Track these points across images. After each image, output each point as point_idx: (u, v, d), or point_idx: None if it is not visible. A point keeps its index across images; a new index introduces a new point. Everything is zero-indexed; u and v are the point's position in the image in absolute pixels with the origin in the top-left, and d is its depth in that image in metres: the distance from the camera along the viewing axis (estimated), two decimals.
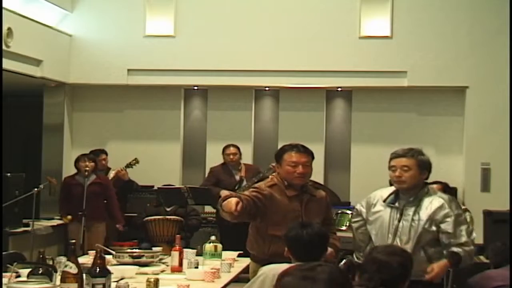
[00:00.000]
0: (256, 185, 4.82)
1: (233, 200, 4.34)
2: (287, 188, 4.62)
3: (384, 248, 3.58)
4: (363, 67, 9.46)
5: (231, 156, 8.88)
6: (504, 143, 8.84)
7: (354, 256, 4.64)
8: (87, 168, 8.20)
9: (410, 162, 4.45)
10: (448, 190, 7.57)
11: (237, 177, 8.82)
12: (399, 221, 4.42)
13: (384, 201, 4.52)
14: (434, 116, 9.78)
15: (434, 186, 7.43)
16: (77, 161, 8.49)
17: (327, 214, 4.83)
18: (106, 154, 9.21)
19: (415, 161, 4.45)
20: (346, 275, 2.73)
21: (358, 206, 4.72)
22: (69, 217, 8.41)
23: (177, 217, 8.22)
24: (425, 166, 4.48)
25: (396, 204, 4.47)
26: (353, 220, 4.72)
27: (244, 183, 8.67)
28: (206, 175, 9.27)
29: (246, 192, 4.68)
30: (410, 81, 9.43)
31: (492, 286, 4.43)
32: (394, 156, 4.54)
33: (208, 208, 9.41)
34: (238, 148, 8.97)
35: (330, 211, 5.03)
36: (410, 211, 4.42)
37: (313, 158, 4.73)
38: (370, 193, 4.68)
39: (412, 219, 4.39)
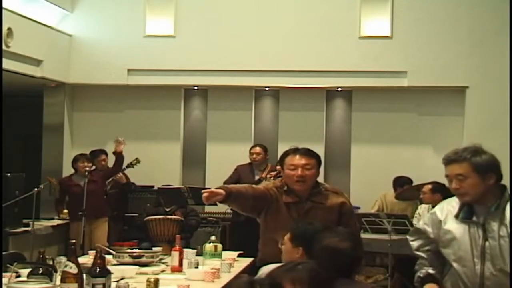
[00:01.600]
0: (270, 182, 4.73)
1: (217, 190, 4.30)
2: (286, 194, 4.45)
3: (332, 234, 3.39)
4: (363, 67, 9.46)
5: (254, 156, 8.88)
6: (504, 143, 8.82)
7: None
8: (87, 169, 8.26)
9: (464, 169, 3.48)
10: (439, 190, 7.54)
11: (257, 177, 8.80)
12: (485, 240, 3.46)
13: (456, 216, 3.56)
14: (434, 116, 9.78)
15: (430, 186, 7.50)
16: (75, 161, 8.56)
17: (340, 223, 4.29)
18: (106, 154, 9.20)
19: (469, 166, 3.47)
20: (324, 275, 2.73)
21: (420, 224, 3.78)
22: (65, 211, 8.58)
23: (177, 217, 8.21)
24: (486, 168, 3.48)
25: (474, 219, 3.51)
26: (411, 238, 3.76)
27: (263, 183, 8.62)
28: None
29: (263, 184, 4.62)
30: (410, 81, 9.43)
31: None
32: (445, 162, 3.56)
33: (208, 208, 9.41)
34: (263, 148, 8.94)
35: (348, 220, 4.46)
36: (495, 225, 3.46)
37: (318, 161, 4.54)
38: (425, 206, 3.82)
39: (500, 236, 3.44)
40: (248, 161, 9.01)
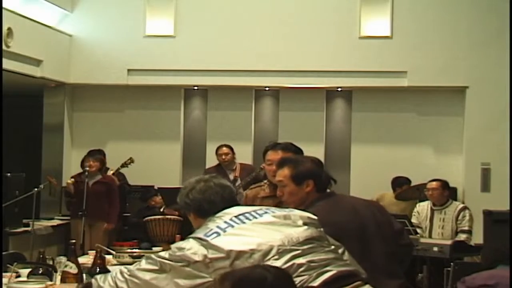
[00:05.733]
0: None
1: None
2: (269, 188, 4.49)
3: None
4: (363, 67, 9.46)
5: (223, 156, 8.83)
6: (504, 143, 8.84)
7: None
8: (89, 168, 8.24)
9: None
10: (448, 188, 7.62)
11: (231, 177, 8.78)
12: None
13: None
14: (434, 116, 9.78)
15: (433, 183, 7.52)
16: (82, 162, 8.53)
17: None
18: (104, 154, 9.16)
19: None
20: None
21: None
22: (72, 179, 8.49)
23: (177, 217, 8.22)
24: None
25: None
26: None
27: (238, 182, 8.65)
28: None
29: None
30: (410, 81, 9.43)
31: (490, 284, 4.43)
32: None
33: None
34: (231, 148, 8.91)
35: None
36: None
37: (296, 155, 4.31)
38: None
39: None
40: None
